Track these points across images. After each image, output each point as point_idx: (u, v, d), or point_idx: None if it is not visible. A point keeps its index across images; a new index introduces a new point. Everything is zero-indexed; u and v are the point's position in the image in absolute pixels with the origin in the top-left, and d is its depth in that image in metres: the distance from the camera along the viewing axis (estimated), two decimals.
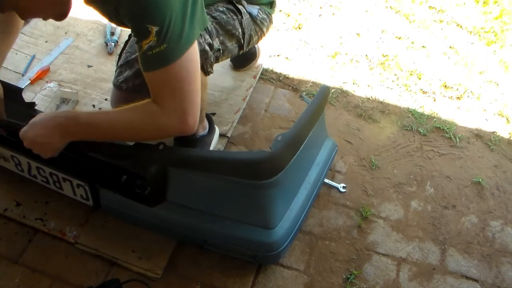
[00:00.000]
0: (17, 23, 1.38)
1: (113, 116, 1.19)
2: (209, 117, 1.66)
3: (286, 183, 1.34)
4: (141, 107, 1.14)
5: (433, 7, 2.59)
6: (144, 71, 1.10)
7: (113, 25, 1.78)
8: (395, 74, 2.18)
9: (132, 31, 1.09)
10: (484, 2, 2.67)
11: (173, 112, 1.11)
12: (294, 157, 1.30)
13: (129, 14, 1.06)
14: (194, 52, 1.10)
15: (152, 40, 1.03)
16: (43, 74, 1.88)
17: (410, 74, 2.19)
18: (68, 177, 1.38)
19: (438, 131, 1.97)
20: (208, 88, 1.73)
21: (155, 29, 1.02)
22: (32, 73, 1.89)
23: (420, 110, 2.04)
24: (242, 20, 1.47)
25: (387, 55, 2.26)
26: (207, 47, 1.31)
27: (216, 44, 1.37)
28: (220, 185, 1.29)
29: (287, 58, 2.18)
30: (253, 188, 1.27)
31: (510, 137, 2.00)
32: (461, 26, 2.49)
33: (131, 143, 1.27)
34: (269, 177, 1.25)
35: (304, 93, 2.01)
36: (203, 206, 1.35)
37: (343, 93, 2.06)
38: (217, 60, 1.42)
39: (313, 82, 2.08)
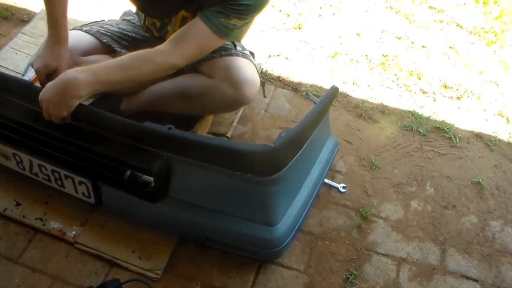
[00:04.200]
0: None
1: (120, 59, 1.32)
2: None
3: (289, 180, 1.34)
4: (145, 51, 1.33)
5: (433, 7, 2.60)
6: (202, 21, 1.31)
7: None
8: (395, 74, 2.18)
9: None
10: (484, 2, 2.67)
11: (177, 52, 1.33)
12: (298, 154, 1.30)
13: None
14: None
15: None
16: None
17: (410, 74, 2.19)
18: (70, 174, 1.38)
19: (438, 131, 1.98)
20: None
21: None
22: (32, 72, 1.86)
23: (420, 110, 2.04)
24: None
25: (387, 55, 2.26)
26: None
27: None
28: (222, 181, 1.29)
29: (287, 58, 2.18)
30: (256, 185, 1.27)
31: (510, 137, 2.00)
32: (461, 26, 2.50)
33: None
34: (272, 173, 1.25)
35: (304, 93, 2.02)
36: (205, 202, 1.35)
37: (343, 93, 2.06)
38: None
39: (313, 82, 2.08)
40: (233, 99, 1.48)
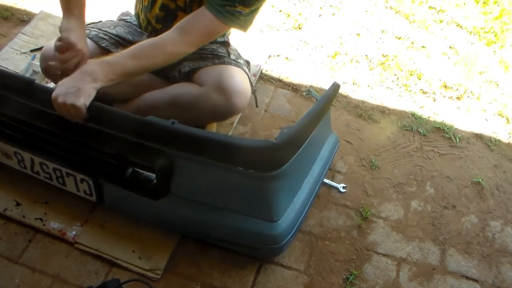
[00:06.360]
0: None
1: (132, 48, 1.33)
2: None
3: (291, 176, 1.34)
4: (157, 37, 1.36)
5: (433, 7, 2.60)
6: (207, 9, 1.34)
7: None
8: (395, 74, 2.18)
9: None
10: (484, 2, 2.67)
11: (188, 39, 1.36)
12: (300, 150, 1.30)
13: None
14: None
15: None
16: None
17: (410, 74, 2.19)
18: (71, 172, 1.38)
19: (438, 131, 1.98)
20: None
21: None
22: (29, 73, 1.88)
23: (420, 110, 2.04)
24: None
25: (387, 55, 2.26)
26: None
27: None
28: (224, 177, 1.29)
29: (287, 58, 2.18)
30: (258, 180, 1.27)
31: (510, 137, 2.00)
32: (461, 26, 2.50)
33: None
34: (274, 169, 1.25)
35: (304, 93, 2.02)
36: (207, 199, 1.35)
37: (343, 93, 2.06)
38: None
39: (313, 82, 2.08)
40: (223, 107, 1.48)
